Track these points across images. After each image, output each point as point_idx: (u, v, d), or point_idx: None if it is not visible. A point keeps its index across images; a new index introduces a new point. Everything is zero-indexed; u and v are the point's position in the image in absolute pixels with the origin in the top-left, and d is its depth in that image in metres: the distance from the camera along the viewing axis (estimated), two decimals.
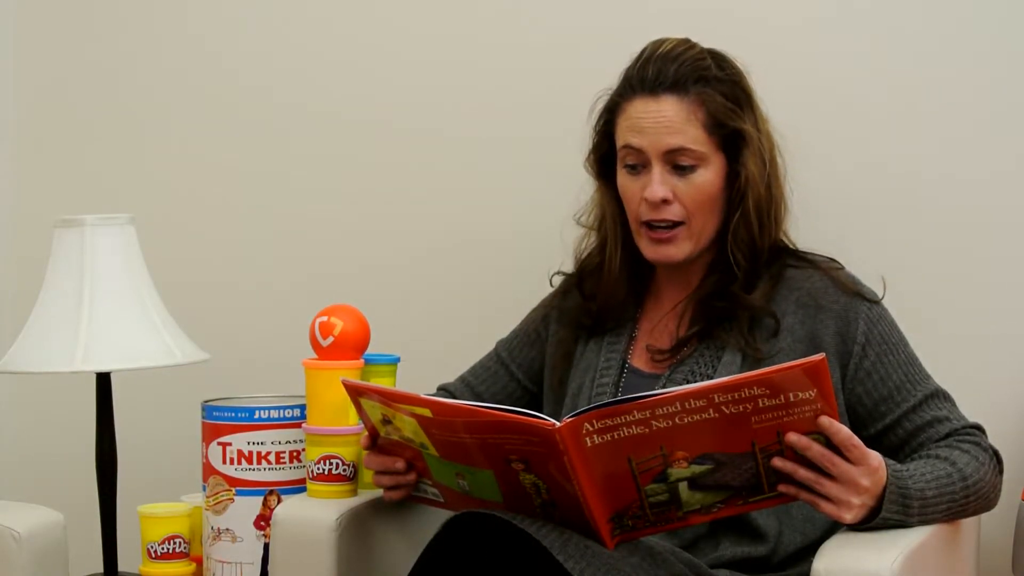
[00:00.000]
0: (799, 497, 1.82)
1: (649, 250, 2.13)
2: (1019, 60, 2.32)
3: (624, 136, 2.11)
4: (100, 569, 2.54)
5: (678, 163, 2.08)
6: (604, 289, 2.19)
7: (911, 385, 2.05)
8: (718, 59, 2.12)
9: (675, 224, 2.09)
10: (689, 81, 2.07)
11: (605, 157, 2.17)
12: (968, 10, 2.34)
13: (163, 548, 2.43)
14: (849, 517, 1.83)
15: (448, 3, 2.68)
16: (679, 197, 2.08)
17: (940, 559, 1.95)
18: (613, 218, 2.18)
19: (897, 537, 1.85)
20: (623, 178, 2.13)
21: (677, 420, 1.74)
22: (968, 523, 2.05)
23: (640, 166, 2.10)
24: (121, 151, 2.96)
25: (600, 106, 2.16)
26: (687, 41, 2.12)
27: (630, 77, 2.11)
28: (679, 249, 2.11)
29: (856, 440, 1.80)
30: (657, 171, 2.08)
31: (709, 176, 2.09)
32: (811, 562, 1.81)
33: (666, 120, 2.06)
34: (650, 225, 2.10)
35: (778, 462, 1.79)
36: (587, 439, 1.74)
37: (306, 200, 2.81)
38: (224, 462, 2.32)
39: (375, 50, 2.74)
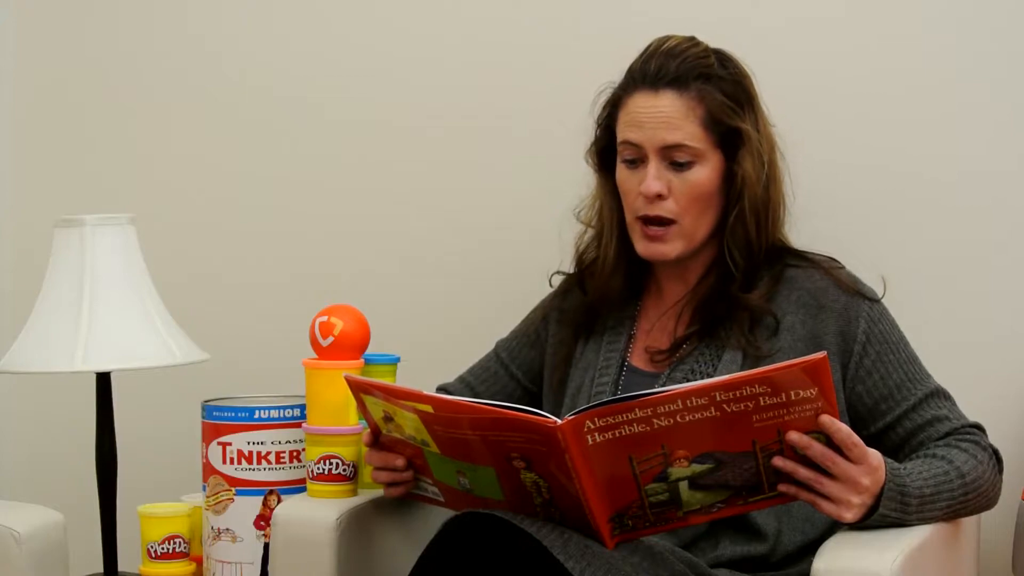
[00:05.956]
0: (799, 497, 1.82)
1: (641, 246, 2.13)
2: (1020, 60, 2.32)
3: (623, 131, 2.11)
4: (100, 569, 2.53)
5: (675, 159, 2.08)
6: (599, 281, 2.19)
7: (911, 384, 2.05)
8: (722, 58, 2.12)
9: (668, 222, 2.09)
10: (690, 77, 2.07)
11: (606, 150, 2.17)
12: (969, 10, 2.34)
13: (163, 548, 2.42)
14: (849, 516, 1.83)
15: (447, 2, 2.68)
16: (674, 193, 2.08)
17: (940, 559, 1.95)
18: (610, 210, 2.18)
19: (897, 537, 1.85)
20: (621, 172, 2.13)
21: (678, 419, 1.74)
22: (968, 523, 2.05)
23: (638, 161, 2.10)
24: (121, 151, 2.96)
25: (603, 99, 2.17)
26: (692, 39, 2.13)
27: (633, 71, 2.11)
28: (671, 247, 2.11)
29: (856, 439, 1.80)
30: (653, 166, 2.08)
31: (705, 173, 2.09)
32: (810, 561, 1.81)
33: (664, 116, 2.07)
34: (645, 221, 2.10)
35: (779, 461, 1.79)
36: (588, 437, 1.74)
37: (306, 200, 2.81)
38: (224, 462, 2.32)
39: (374, 49, 2.74)
